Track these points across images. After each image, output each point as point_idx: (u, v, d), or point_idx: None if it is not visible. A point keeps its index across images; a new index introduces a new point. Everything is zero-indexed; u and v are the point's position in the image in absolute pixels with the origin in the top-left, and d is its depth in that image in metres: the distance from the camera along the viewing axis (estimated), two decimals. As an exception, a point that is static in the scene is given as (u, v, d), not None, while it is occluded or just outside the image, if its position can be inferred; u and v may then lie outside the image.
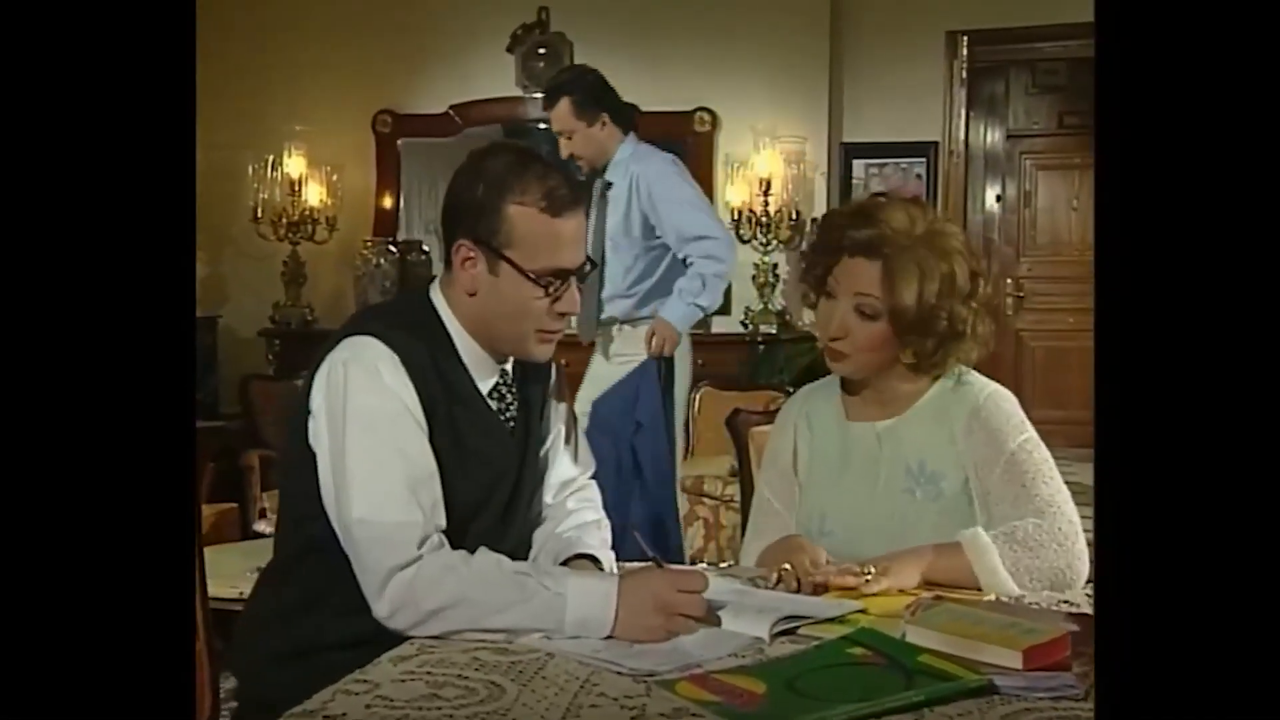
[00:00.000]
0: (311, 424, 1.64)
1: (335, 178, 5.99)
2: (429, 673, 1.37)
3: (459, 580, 1.52)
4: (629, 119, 3.58)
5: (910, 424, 1.90)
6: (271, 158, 5.89)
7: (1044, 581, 1.73)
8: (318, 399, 1.63)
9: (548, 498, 1.86)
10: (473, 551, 1.58)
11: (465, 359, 1.70)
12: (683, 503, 3.79)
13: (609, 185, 3.55)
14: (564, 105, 3.50)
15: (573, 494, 1.88)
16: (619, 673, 1.36)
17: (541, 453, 1.83)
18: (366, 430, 1.58)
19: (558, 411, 1.87)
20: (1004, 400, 1.88)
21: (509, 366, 1.76)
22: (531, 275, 1.64)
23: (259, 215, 5.89)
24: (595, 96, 3.52)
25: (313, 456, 1.63)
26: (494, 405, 1.73)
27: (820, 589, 1.67)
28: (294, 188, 5.90)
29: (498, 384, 1.73)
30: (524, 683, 1.33)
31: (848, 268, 1.85)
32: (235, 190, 5.84)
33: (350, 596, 1.57)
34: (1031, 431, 1.86)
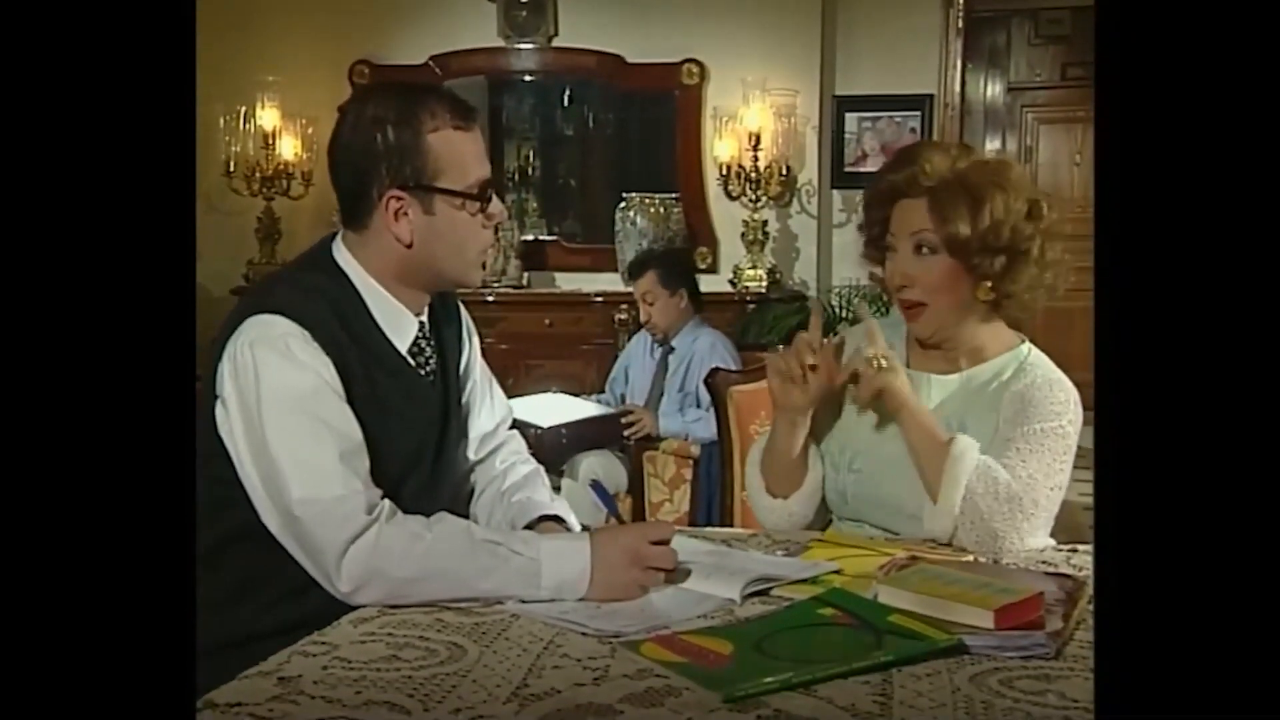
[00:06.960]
0: (220, 411, 1.58)
1: (310, 130, 5.76)
2: (390, 634, 1.36)
3: (428, 549, 1.49)
4: (701, 303, 4.32)
5: (966, 383, 1.86)
6: (244, 109, 5.66)
7: (974, 533, 1.72)
8: (226, 385, 1.57)
9: (471, 454, 1.81)
10: (407, 511, 1.54)
11: (379, 318, 1.65)
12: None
13: (671, 350, 4.26)
14: (650, 276, 4.21)
15: (497, 449, 1.84)
16: (584, 634, 1.36)
17: (463, 400, 1.78)
18: (286, 411, 1.53)
19: (472, 354, 1.83)
20: (1059, 389, 1.81)
21: (424, 319, 1.69)
22: (470, 194, 1.63)
23: (231, 169, 5.68)
24: (680, 273, 4.30)
25: (223, 444, 1.58)
26: (413, 362, 1.69)
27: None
28: (267, 141, 5.69)
29: (416, 338, 1.70)
30: (486, 644, 1.33)
31: (899, 214, 1.84)
32: (206, 143, 5.60)
33: (284, 582, 1.54)
34: (1065, 425, 1.77)
